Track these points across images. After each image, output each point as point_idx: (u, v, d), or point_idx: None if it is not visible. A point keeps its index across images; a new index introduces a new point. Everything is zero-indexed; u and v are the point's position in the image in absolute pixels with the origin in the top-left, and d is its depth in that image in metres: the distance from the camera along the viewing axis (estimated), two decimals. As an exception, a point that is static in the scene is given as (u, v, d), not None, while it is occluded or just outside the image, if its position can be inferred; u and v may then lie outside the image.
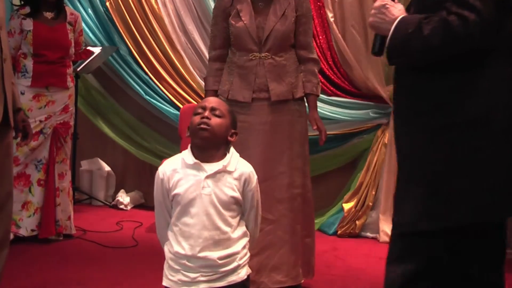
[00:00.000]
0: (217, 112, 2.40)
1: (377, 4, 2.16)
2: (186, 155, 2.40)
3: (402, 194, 2.15)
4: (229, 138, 2.44)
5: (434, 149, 2.02)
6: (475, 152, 1.97)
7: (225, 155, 2.42)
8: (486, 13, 1.90)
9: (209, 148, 2.39)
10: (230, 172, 2.38)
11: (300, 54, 3.71)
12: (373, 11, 2.17)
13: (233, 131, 2.46)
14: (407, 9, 2.15)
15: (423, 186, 2.05)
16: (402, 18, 2.07)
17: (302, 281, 3.76)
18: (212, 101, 2.46)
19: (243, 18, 3.61)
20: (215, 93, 3.70)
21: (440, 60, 2.00)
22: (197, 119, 2.39)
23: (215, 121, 2.38)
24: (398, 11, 2.11)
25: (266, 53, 3.62)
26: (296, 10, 3.65)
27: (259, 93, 3.62)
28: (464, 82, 1.98)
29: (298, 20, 3.66)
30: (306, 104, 3.79)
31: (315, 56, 3.77)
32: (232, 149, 2.45)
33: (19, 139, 3.66)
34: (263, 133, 3.63)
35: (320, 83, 3.83)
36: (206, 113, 2.39)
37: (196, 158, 2.37)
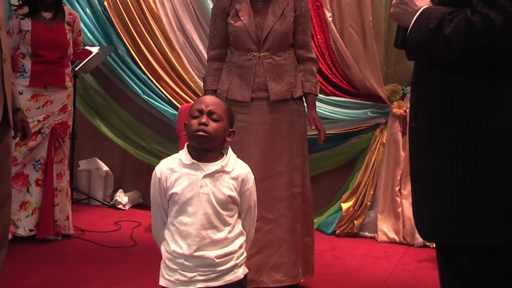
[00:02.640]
0: (214, 116, 2.37)
1: None
2: (183, 155, 2.39)
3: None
4: (226, 138, 2.43)
5: (459, 160, 1.82)
6: (492, 166, 1.78)
7: (222, 154, 2.42)
8: None
9: (206, 150, 2.38)
10: (227, 172, 2.38)
11: (299, 54, 3.72)
12: (394, 1, 1.99)
13: (230, 130, 2.45)
14: None
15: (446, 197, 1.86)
16: (425, 9, 1.88)
17: (302, 280, 3.77)
18: (209, 103, 2.40)
19: (242, 18, 3.61)
20: (214, 93, 3.70)
21: (467, 62, 1.80)
22: (194, 124, 2.35)
23: (212, 126, 2.35)
24: (422, 0, 1.91)
25: (265, 53, 3.63)
26: (295, 9, 3.66)
27: (258, 92, 3.63)
28: (493, 90, 1.78)
29: (297, 20, 3.67)
30: (305, 103, 3.79)
31: (313, 55, 3.78)
32: (230, 150, 2.44)
33: (18, 139, 3.66)
34: (262, 132, 3.64)
35: (319, 83, 3.84)
36: (204, 119, 2.35)
37: (193, 158, 2.37)
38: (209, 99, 2.44)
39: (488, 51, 1.74)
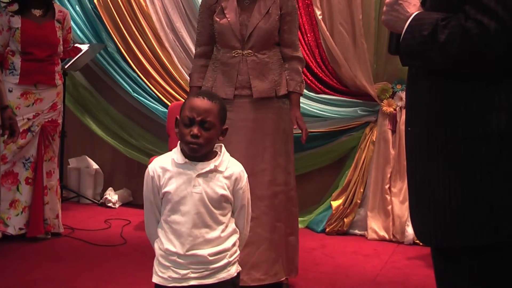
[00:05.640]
0: (206, 125, 2.32)
1: (389, 0, 1.95)
2: (176, 154, 2.38)
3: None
4: (219, 137, 2.42)
5: (451, 163, 1.84)
6: (489, 168, 1.80)
7: (215, 153, 2.42)
8: (509, 21, 1.70)
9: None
10: (221, 172, 2.38)
11: (285, 52, 3.72)
12: (385, 8, 1.96)
13: (223, 128, 2.43)
14: (423, 3, 1.95)
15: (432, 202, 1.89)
16: (417, 15, 1.87)
17: (283, 279, 3.75)
18: (201, 111, 2.33)
19: (227, 15, 3.63)
20: (199, 89, 3.70)
21: (462, 67, 1.81)
22: (186, 134, 2.32)
23: (204, 137, 2.32)
24: (413, 6, 1.90)
25: (249, 51, 3.63)
26: (281, 8, 3.66)
27: (241, 90, 3.64)
28: (488, 93, 1.80)
29: (283, 18, 3.67)
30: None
31: (299, 54, 3.77)
32: (223, 149, 2.44)
33: (6, 136, 3.65)
34: (245, 129, 3.64)
35: (308, 81, 3.84)
36: (195, 130, 2.30)
37: (186, 157, 2.36)
38: (201, 104, 2.35)
39: (483, 57, 1.75)
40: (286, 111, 3.74)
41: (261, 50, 3.65)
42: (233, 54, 3.65)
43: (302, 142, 3.72)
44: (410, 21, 1.88)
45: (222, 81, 3.66)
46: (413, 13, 1.89)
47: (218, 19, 3.66)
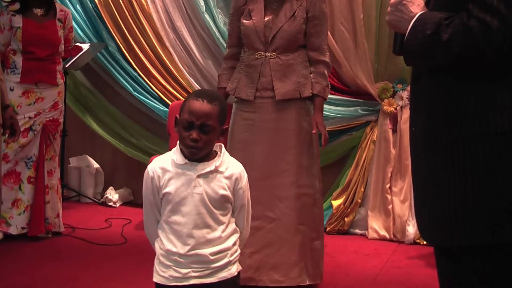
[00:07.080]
0: (206, 129, 2.31)
1: (393, 0, 1.96)
2: (176, 155, 2.38)
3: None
4: (219, 139, 2.42)
5: (453, 163, 1.85)
6: (492, 167, 1.81)
7: (215, 153, 2.41)
8: (511, 19, 1.71)
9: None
10: (221, 172, 2.37)
11: (311, 56, 3.70)
12: (389, 8, 1.97)
13: (222, 128, 2.42)
14: (427, 3, 1.96)
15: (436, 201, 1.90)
16: (420, 15, 1.89)
17: (306, 283, 3.70)
18: (200, 115, 2.30)
19: (253, 18, 3.65)
20: (224, 90, 3.76)
21: (465, 66, 1.82)
22: (185, 137, 2.31)
23: (204, 140, 2.31)
24: (417, 6, 1.91)
25: (272, 53, 3.64)
26: (307, 11, 3.65)
27: (263, 91, 3.64)
28: (491, 92, 1.80)
29: (310, 22, 3.66)
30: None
31: (326, 58, 3.73)
32: (223, 149, 2.43)
33: (7, 136, 3.65)
34: (266, 130, 3.64)
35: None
36: (195, 134, 2.29)
37: (185, 157, 2.36)
38: (200, 108, 2.32)
39: (486, 55, 1.76)
40: (309, 112, 3.71)
41: (284, 52, 3.65)
42: (256, 56, 3.67)
43: (321, 147, 3.72)
44: (414, 21, 1.89)
45: (244, 83, 3.68)
46: (417, 13, 1.90)
47: (244, 21, 3.69)
